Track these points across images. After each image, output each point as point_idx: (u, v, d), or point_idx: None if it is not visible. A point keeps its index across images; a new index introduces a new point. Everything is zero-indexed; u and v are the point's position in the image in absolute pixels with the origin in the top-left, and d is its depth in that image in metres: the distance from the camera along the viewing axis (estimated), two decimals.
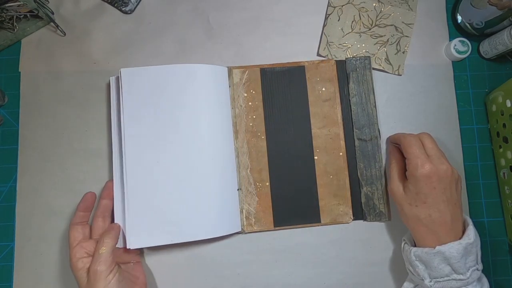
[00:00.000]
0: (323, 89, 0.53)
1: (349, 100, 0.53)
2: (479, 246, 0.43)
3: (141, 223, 0.47)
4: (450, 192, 0.44)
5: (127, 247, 0.46)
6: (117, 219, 0.48)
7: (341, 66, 0.54)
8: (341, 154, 0.52)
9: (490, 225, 0.52)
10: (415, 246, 0.45)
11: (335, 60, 0.54)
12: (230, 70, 0.53)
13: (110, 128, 0.52)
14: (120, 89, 0.49)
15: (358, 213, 0.52)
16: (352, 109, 0.53)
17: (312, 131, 0.53)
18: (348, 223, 0.51)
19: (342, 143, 0.52)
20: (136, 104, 0.49)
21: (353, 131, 0.53)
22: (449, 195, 0.43)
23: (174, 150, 0.49)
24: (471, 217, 0.52)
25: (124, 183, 0.47)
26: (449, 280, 0.42)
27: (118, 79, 0.50)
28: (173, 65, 0.50)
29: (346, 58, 0.54)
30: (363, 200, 0.52)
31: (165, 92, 0.49)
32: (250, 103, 0.53)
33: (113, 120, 0.50)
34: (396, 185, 0.47)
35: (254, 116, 0.53)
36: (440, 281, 0.42)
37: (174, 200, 0.48)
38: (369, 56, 0.54)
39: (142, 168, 0.48)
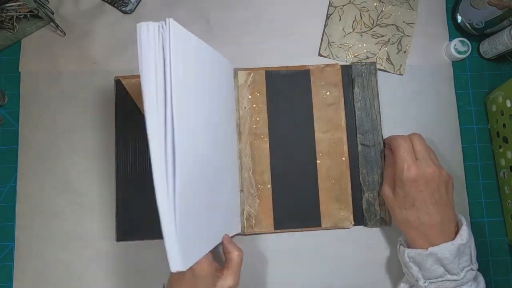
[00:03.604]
0: (328, 93, 0.53)
1: (354, 105, 0.53)
2: (473, 246, 0.43)
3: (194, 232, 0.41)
4: (439, 194, 0.44)
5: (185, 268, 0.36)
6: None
7: (346, 70, 0.54)
8: (343, 159, 0.52)
9: (490, 225, 0.52)
10: (410, 247, 0.45)
11: (340, 65, 0.54)
12: (235, 72, 0.53)
13: (111, 127, 0.52)
14: (166, 47, 0.34)
15: (359, 219, 0.52)
16: (356, 114, 0.53)
17: (316, 135, 0.53)
18: (348, 228, 0.51)
19: (345, 148, 0.52)
20: (182, 75, 0.35)
21: (356, 136, 0.53)
22: (438, 197, 0.43)
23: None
24: (471, 217, 0.52)
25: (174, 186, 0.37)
26: (443, 280, 0.42)
27: (157, 30, 0.34)
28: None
29: (352, 63, 0.54)
30: (364, 205, 0.52)
31: (207, 76, 0.41)
32: (254, 105, 0.53)
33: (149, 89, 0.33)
34: (386, 188, 0.47)
35: (257, 118, 0.53)
36: (434, 282, 0.42)
37: None
38: (374, 62, 0.54)
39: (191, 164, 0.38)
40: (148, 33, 0.34)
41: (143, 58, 0.33)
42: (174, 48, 0.34)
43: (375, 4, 0.56)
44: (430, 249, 0.42)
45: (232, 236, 0.51)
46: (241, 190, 0.51)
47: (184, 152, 0.34)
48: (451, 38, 0.55)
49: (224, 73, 0.49)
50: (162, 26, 0.34)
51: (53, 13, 0.54)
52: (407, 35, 0.55)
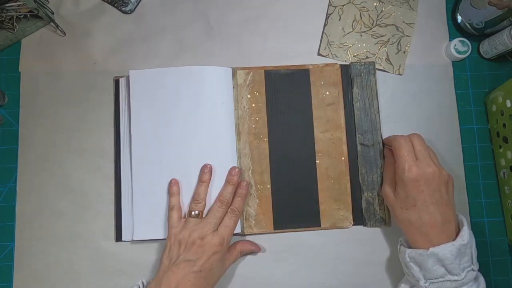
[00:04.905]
0: (327, 93, 0.53)
1: (353, 105, 0.53)
2: (474, 246, 0.43)
3: (145, 217, 0.50)
4: (440, 194, 0.44)
5: (133, 238, 0.50)
6: (125, 213, 0.51)
7: (346, 70, 0.54)
8: (343, 158, 0.52)
9: (490, 225, 0.52)
10: (410, 247, 0.45)
11: (340, 65, 0.54)
12: (234, 71, 0.53)
13: (111, 128, 0.53)
14: (128, 90, 0.51)
15: (358, 218, 0.52)
16: (355, 114, 0.53)
17: (315, 134, 0.53)
18: (348, 227, 0.51)
19: (345, 147, 0.52)
20: (143, 105, 0.51)
21: (355, 136, 0.53)
22: (439, 197, 0.43)
23: (177, 150, 0.50)
24: (471, 217, 0.52)
25: (131, 179, 0.50)
26: (443, 281, 0.42)
27: (127, 80, 0.52)
28: (179, 67, 0.52)
29: (351, 63, 0.54)
30: (363, 205, 0.52)
31: (171, 94, 0.51)
32: (253, 105, 0.53)
33: (123, 120, 0.52)
34: (387, 188, 0.47)
35: (257, 118, 0.53)
36: (435, 282, 0.42)
37: None
38: (373, 62, 0.54)
39: (147, 166, 0.50)
40: (124, 86, 0.53)
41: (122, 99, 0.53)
42: (131, 90, 0.51)
43: (375, 4, 0.55)
44: (431, 249, 0.41)
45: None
46: None
47: (139, 158, 0.51)
48: (451, 38, 0.55)
49: (216, 78, 0.52)
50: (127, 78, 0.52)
51: (53, 13, 0.54)
52: (407, 35, 0.55)
